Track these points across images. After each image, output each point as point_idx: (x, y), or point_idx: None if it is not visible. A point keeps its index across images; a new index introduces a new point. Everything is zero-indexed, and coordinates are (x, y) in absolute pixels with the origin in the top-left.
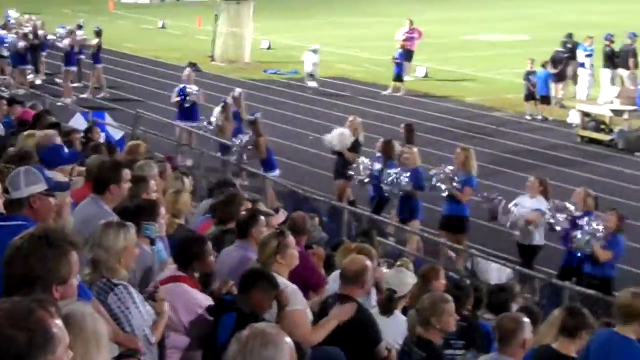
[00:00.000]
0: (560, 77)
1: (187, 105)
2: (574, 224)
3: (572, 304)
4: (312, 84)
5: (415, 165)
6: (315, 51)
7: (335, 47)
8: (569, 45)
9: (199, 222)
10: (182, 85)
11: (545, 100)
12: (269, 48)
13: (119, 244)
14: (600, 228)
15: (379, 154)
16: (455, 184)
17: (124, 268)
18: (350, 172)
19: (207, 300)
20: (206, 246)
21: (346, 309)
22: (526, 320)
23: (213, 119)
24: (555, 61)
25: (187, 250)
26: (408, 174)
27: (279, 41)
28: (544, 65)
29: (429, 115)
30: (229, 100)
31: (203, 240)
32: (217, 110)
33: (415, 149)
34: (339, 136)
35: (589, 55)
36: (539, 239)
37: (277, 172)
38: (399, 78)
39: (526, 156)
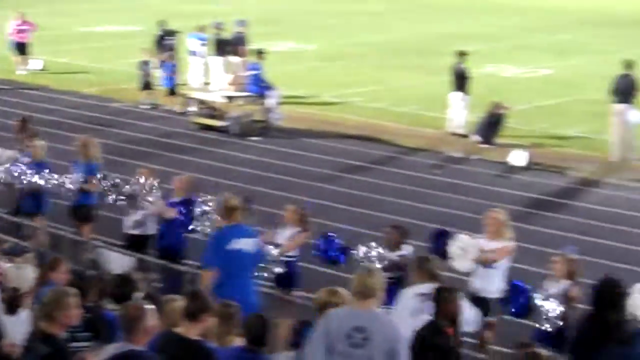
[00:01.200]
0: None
1: None
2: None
3: (193, 288)
4: None
5: (39, 159)
6: None
7: None
8: (161, 33)
9: None
10: None
11: (168, 89)
12: None
13: None
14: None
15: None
16: (76, 176)
17: None
18: None
19: None
20: None
21: None
22: (149, 306)
23: None
24: (163, 49)
25: None
26: (32, 169)
27: None
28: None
29: (45, 108)
30: None
31: None
32: None
33: (39, 142)
34: None
35: (203, 44)
36: (151, 228)
37: None
38: None
39: (145, 145)
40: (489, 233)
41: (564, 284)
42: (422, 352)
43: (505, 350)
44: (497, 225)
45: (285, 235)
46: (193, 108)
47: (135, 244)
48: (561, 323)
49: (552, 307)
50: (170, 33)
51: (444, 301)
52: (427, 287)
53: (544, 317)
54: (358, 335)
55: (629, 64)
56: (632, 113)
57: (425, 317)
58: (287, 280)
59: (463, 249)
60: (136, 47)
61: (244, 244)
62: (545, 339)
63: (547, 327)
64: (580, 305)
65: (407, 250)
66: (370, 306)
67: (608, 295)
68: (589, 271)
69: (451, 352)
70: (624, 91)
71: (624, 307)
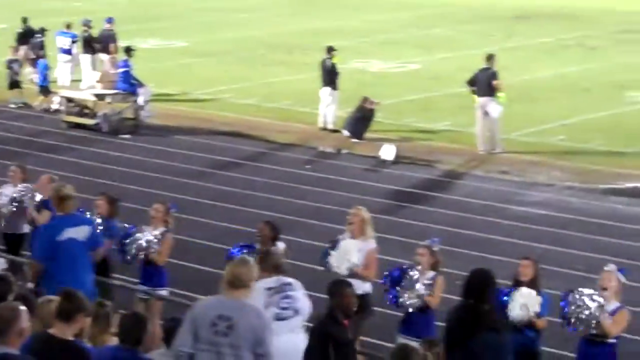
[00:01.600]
0: (34, 62)
1: None
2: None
3: (67, 288)
4: None
5: None
6: None
7: None
8: (24, 30)
9: None
10: None
11: (42, 88)
12: None
13: None
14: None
15: None
16: None
17: None
18: None
19: None
20: None
21: None
22: (22, 308)
23: None
24: (29, 47)
25: None
26: None
27: None
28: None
29: None
30: None
31: None
32: None
33: None
34: None
35: (74, 41)
36: (25, 227)
37: None
38: None
39: (14, 144)
40: (353, 231)
41: (429, 274)
42: (320, 343)
43: (374, 341)
44: (361, 223)
45: (155, 233)
46: (57, 106)
47: (8, 243)
48: (420, 307)
49: (416, 291)
50: (39, 31)
51: (338, 294)
52: (274, 281)
53: (408, 301)
54: (222, 323)
55: (489, 57)
56: (493, 106)
57: (274, 311)
58: (153, 279)
59: (345, 256)
60: (3, 45)
61: (76, 233)
62: (413, 328)
63: (408, 306)
64: (445, 295)
65: (280, 246)
66: (239, 296)
67: (478, 285)
68: (458, 262)
69: (348, 343)
70: (485, 84)
71: (494, 296)
